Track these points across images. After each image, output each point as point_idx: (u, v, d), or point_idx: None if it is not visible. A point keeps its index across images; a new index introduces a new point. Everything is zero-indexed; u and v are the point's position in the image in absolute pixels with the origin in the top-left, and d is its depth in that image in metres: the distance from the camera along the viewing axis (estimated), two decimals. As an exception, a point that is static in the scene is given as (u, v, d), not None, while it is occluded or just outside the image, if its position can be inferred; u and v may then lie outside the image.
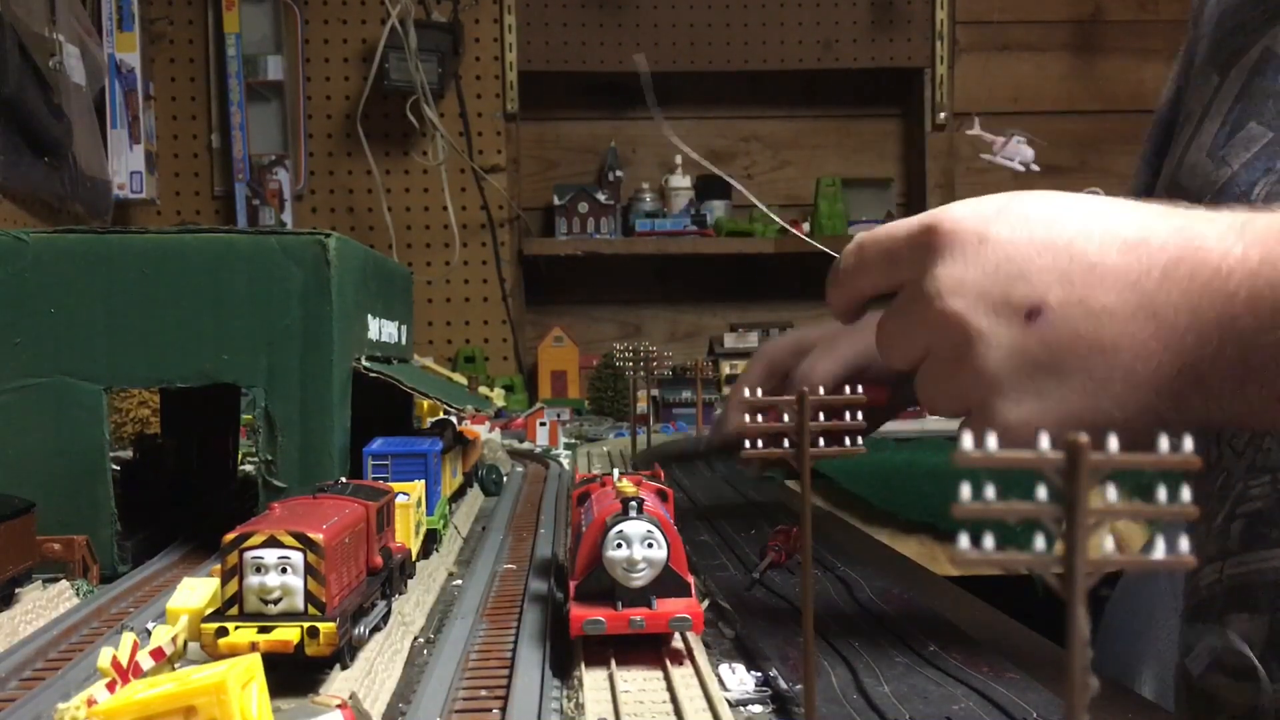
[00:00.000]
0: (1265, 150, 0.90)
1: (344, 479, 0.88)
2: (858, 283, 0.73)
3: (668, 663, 0.70)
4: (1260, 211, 0.62)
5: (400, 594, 0.87)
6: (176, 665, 0.66)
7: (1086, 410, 0.62)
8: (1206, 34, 1.03)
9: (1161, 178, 1.05)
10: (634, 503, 0.73)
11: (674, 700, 0.65)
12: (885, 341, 0.71)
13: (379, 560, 0.79)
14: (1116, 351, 0.61)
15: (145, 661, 0.60)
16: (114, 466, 1.05)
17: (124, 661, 0.57)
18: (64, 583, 0.93)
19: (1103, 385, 0.62)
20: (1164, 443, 0.33)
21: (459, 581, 1.00)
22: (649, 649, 0.72)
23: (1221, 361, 0.60)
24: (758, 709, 0.67)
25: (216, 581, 0.68)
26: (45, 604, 0.88)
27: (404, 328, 1.41)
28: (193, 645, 0.67)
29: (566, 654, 0.73)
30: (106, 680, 0.55)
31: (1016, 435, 0.62)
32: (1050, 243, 0.63)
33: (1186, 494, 0.32)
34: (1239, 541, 0.89)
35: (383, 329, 1.26)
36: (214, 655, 0.63)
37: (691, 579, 0.74)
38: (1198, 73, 1.03)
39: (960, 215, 0.66)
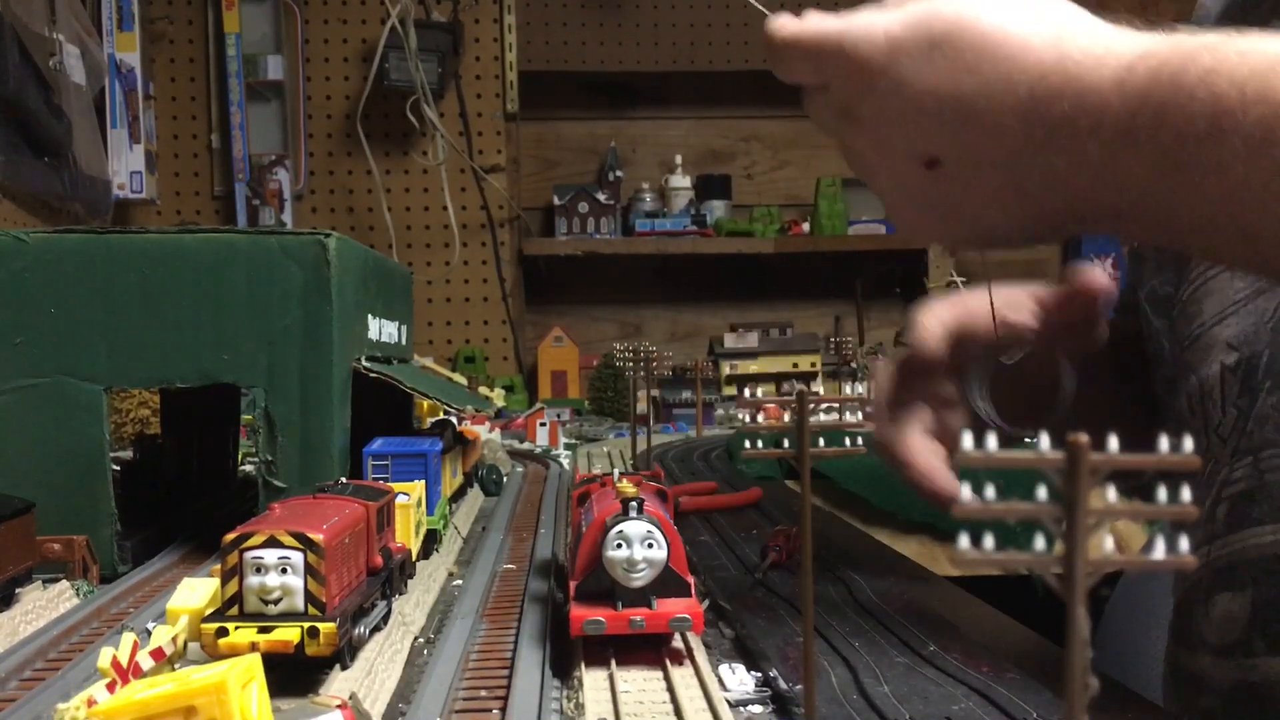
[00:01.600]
0: None
1: (344, 479, 0.88)
2: (788, 68, 0.77)
3: (668, 663, 0.70)
4: (1151, 49, 0.65)
5: (400, 594, 0.87)
6: (176, 665, 0.66)
7: (976, 236, 0.75)
8: None
9: None
10: (634, 503, 0.73)
11: (674, 700, 0.65)
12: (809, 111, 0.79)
13: (379, 560, 0.79)
14: (999, 198, 0.70)
15: (145, 661, 0.60)
16: (114, 466, 1.05)
17: (124, 661, 0.57)
18: (64, 583, 0.93)
19: (985, 222, 0.72)
20: (1164, 442, 0.33)
21: (459, 581, 1.00)
22: (649, 649, 0.72)
23: (1088, 196, 0.67)
24: (758, 709, 0.67)
25: (216, 581, 0.68)
26: (45, 604, 0.88)
27: (404, 328, 1.41)
28: (193, 645, 0.67)
29: (566, 654, 0.73)
30: (106, 680, 0.55)
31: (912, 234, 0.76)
32: (952, 98, 0.68)
33: (1186, 494, 0.32)
34: (1224, 524, 0.91)
35: (383, 329, 1.26)
36: (214, 655, 0.63)
37: (691, 579, 0.74)
38: None
39: (883, 47, 0.70)
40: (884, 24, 0.71)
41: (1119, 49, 0.66)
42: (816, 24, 0.74)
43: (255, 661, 0.54)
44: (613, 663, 0.70)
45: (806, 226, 3.41)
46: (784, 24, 0.75)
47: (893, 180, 0.74)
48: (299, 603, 0.66)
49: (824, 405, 0.56)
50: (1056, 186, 0.68)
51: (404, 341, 1.42)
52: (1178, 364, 0.97)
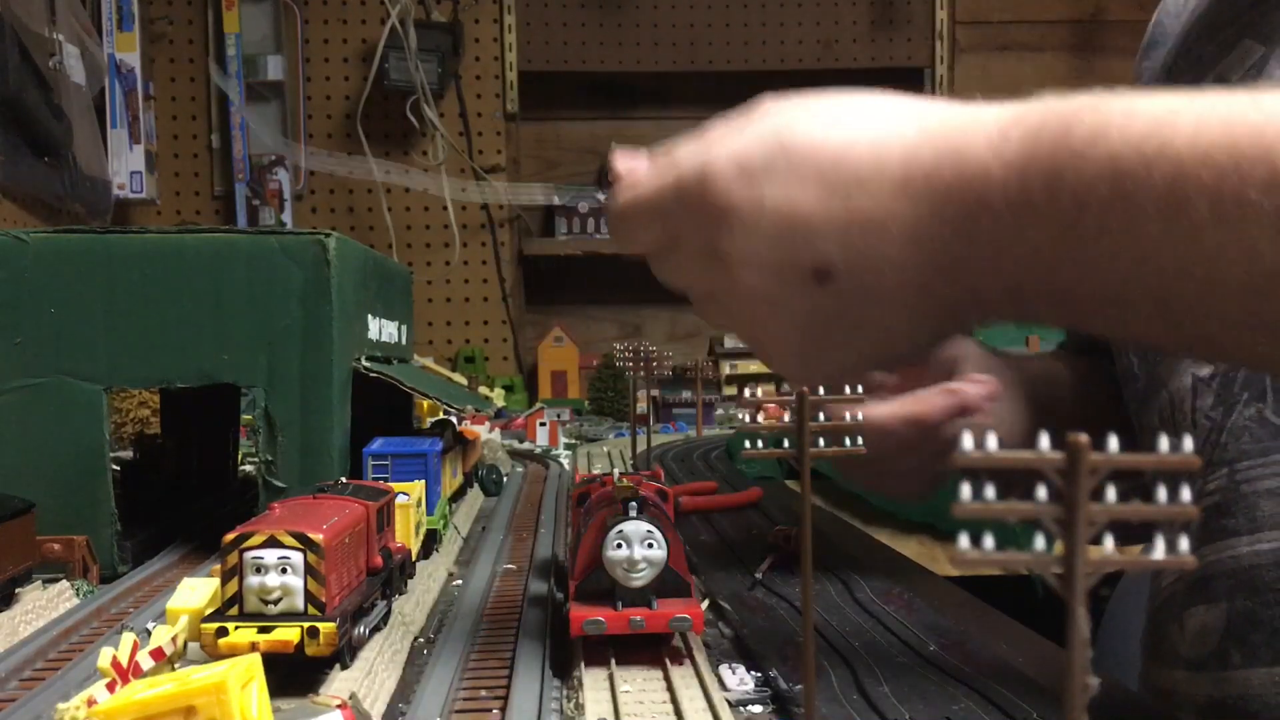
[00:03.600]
0: None
1: (344, 479, 0.88)
2: (636, 237, 0.73)
3: (668, 663, 0.70)
4: (1020, 114, 0.62)
5: (400, 594, 0.88)
6: (176, 665, 0.66)
7: (879, 351, 0.67)
8: (1159, 72, 1.07)
9: None
10: (634, 503, 0.73)
11: (674, 700, 0.65)
12: (663, 275, 0.74)
13: (379, 560, 0.79)
14: (901, 297, 0.63)
15: (145, 661, 0.60)
16: (114, 466, 1.05)
17: (124, 661, 0.57)
18: (64, 583, 0.93)
19: (890, 328, 0.65)
20: (1164, 442, 0.33)
21: (459, 581, 1.00)
22: (649, 649, 0.72)
23: (987, 274, 0.62)
24: (758, 709, 0.67)
25: (216, 581, 0.69)
26: (45, 604, 0.88)
27: (404, 328, 1.41)
28: (193, 645, 0.68)
29: (566, 654, 0.73)
30: (106, 680, 0.55)
31: (812, 384, 0.63)
32: (826, 200, 0.63)
33: (1186, 494, 0.32)
34: (1197, 537, 0.90)
35: (383, 329, 1.26)
36: (214, 655, 0.63)
37: (691, 579, 0.74)
38: None
39: (728, 174, 0.64)
40: (725, 151, 0.65)
41: (983, 117, 0.63)
42: (646, 182, 0.69)
43: (255, 661, 0.54)
44: (613, 663, 0.70)
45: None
46: (616, 199, 0.71)
47: (781, 315, 0.66)
48: (299, 603, 0.66)
49: (824, 405, 0.56)
50: (955, 271, 0.62)
51: (404, 341, 1.42)
52: (1149, 379, 0.97)
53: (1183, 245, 0.56)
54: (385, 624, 0.79)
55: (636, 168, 0.72)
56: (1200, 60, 0.99)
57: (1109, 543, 0.32)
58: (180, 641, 0.67)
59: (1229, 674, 0.88)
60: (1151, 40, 1.13)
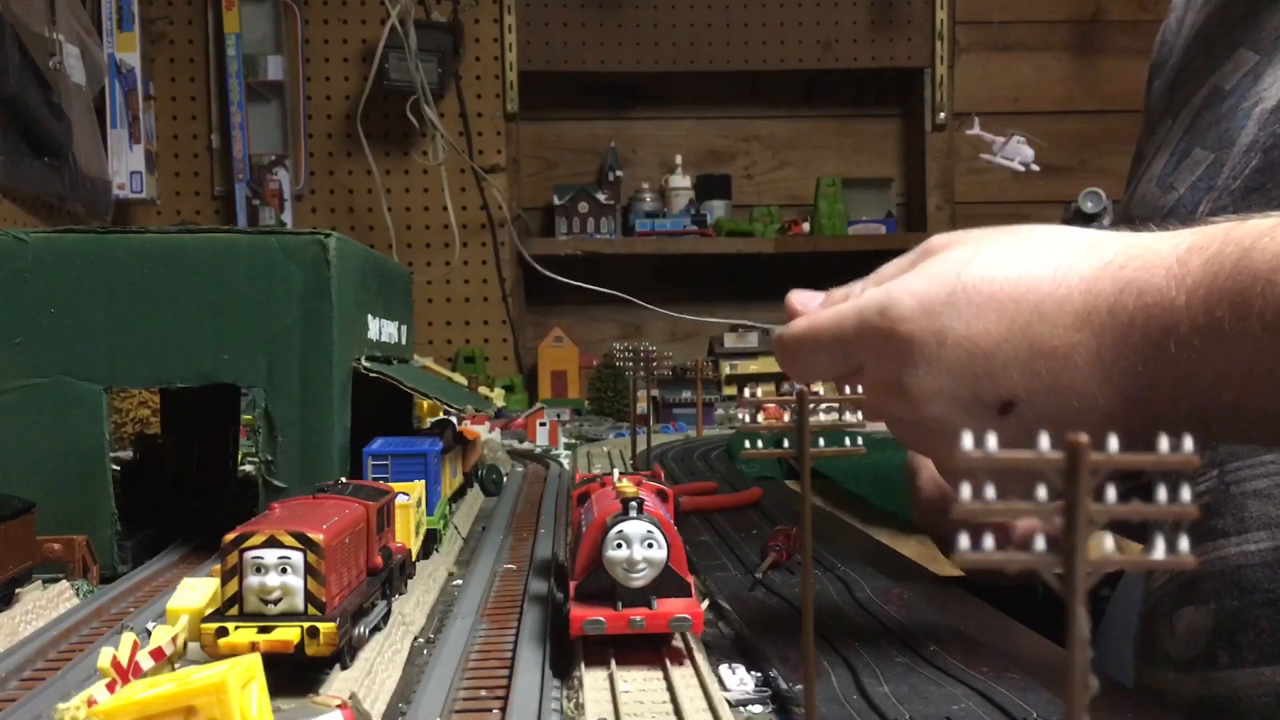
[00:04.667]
0: (1208, 171, 0.93)
1: (344, 479, 0.88)
2: (810, 366, 0.73)
3: (668, 663, 0.70)
4: (1195, 241, 0.63)
5: (400, 594, 0.87)
6: (176, 665, 0.66)
7: None
8: (1164, 90, 1.08)
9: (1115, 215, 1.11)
10: (634, 503, 0.73)
11: (674, 700, 0.65)
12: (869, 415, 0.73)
13: (379, 560, 0.79)
14: (1086, 424, 0.63)
15: (145, 661, 0.60)
16: (114, 466, 1.05)
17: (124, 661, 0.57)
18: (64, 583, 0.93)
19: None
20: (1164, 442, 0.33)
21: (459, 581, 1.00)
22: (649, 649, 0.72)
23: (1174, 399, 0.63)
24: (758, 709, 0.67)
25: (216, 581, 0.68)
26: (45, 604, 0.88)
27: (404, 328, 1.41)
28: (193, 645, 0.67)
29: (566, 654, 0.73)
30: (106, 680, 0.55)
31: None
32: (1008, 333, 0.64)
33: (1186, 494, 0.32)
34: (1187, 539, 0.91)
35: (383, 329, 1.26)
36: (214, 655, 0.63)
37: (691, 579, 0.74)
38: (1156, 121, 1.07)
39: (910, 311, 0.66)
40: (904, 288, 0.66)
41: (1159, 246, 0.63)
42: (825, 313, 0.70)
43: (255, 661, 0.54)
44: (613, 663, 0.70)
45: (806, 226, 3.41)
46: (791, 327, 0.72)
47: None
48: (299, 603, 0.66)
49: (824, 405, 0.56)
50: (1142, 397, 0.63)
51: (404, 341, 1.42)
52: None
53: None
54: (385, 624, 0.79)
55: (810, 302, 0.74)
56: (1196, 73, 1.00)
57: (1109, 542, 0.32)
58: (180, 641, 0.67)
59: (1217, 674, 0.89)
60: (1159, 61, 1.14)
